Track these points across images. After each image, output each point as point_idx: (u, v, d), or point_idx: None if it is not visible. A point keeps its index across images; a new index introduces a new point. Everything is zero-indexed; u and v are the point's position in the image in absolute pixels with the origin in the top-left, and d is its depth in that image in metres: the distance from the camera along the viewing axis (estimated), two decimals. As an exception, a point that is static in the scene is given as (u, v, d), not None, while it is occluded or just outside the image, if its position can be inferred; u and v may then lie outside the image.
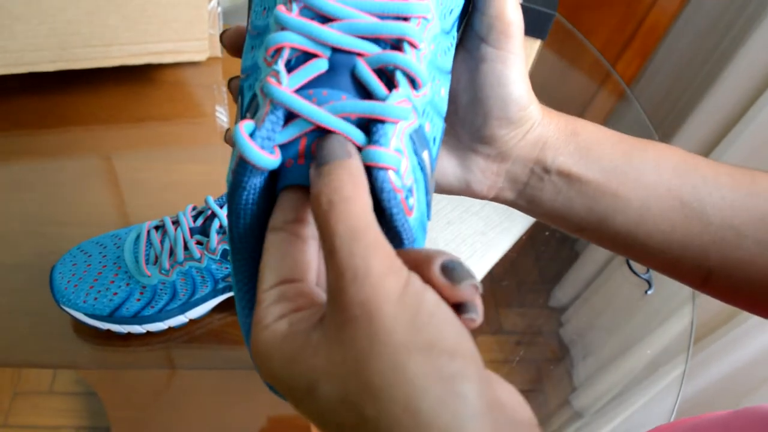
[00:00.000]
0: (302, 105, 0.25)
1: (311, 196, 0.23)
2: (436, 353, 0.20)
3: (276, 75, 0.25)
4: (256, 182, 0.25)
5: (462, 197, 0.85)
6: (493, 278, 0.80)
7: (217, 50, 0.86)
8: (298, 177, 0.25)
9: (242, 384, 0.61)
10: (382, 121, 0.25)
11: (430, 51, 0.28)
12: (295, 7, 0.27)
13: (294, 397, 0.22)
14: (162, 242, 0.58)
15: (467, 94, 0.33)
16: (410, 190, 0.26)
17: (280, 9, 0.27)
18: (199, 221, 0.58)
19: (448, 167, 0.35)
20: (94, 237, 0.61)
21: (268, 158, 0.24)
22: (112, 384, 0.62)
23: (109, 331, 0.59)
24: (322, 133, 0.25)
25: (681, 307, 0.77)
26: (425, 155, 0.28)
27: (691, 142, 1.15)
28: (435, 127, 0.29)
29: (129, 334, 0.60)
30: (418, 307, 0.21)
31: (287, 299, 0.23)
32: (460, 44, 0.34)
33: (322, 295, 0.24)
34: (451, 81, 0.33)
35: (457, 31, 0.33)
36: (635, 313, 0.81)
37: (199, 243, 0.57)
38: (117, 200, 0.73)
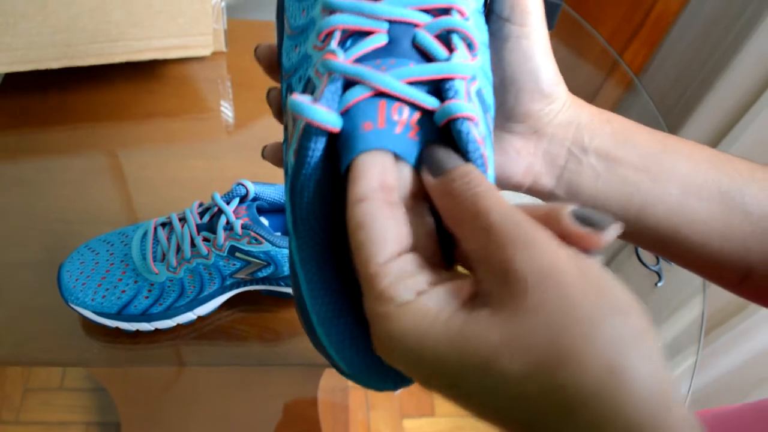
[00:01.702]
0: (366, 72, 0.25)
1: (442, 192, 0.23)
2: (626, 313, 0.20)
3: (332, 54, 0.25)
4: (320, 149, 0.24)
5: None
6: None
7: (222, 45, 0.86)
8: (380, 141, 0.24)
9: (250, 380, 0.61)
10: (451, 79, 0.25)
11: (474, 22, 0.29)
12: None
13: (454, 379, 0.21)
14: (169, 239, 0.58)
15: (497, 76, 0.33)
16: (484, 141, 0.26)
17: None
18: (206, 218, 0.58)
19: None
20: (102, 235, 0.61)
21: (334, 115, 0.24)
22: (122, 380, 0.62)
23: (117, 328, 0.59)
24: (396, 99, 0.25)
25: (691, 298, 0.77)
26: (488, 117, 0.28)
27: (700, 131, 1.14)
28: (489, 94, 0.30)
29: (138, 332, 0.60)
30: (595, 272, 0.20)
31: (414, 273, 0.22)
32: None
33: (445, 272, 0.23)
34: None
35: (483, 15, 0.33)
36: (645, 303, 0.81)
37: (206, 240, 0.57)
38: (124, 197, 0.73)
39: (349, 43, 0.27)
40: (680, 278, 0.79)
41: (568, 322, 0.19)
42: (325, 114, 0.23)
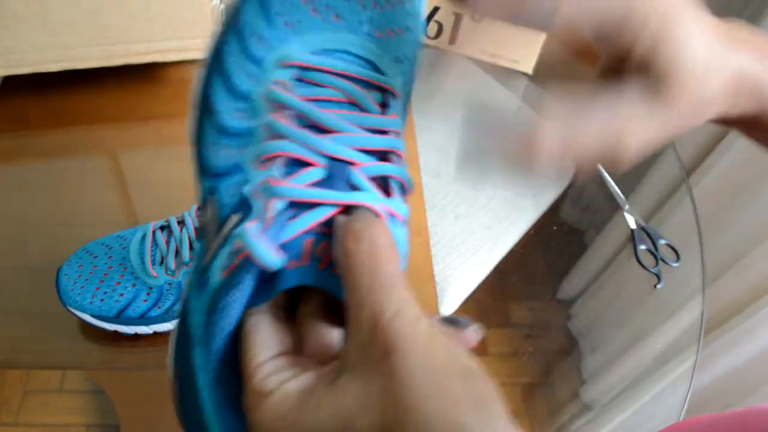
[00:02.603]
0: (324, 193, 0.27)
1: (343, 238, 0.25)
2: (471, 377, 0.22)
3: (277, 180, 0.27)
4: (250, 283, 0.26)
5: (467, 192, 0.84)
6: (501, 272, 0.79)
7: (221, 47, 0.86)
8: (299, 279, 0.26)
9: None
10: (393, 215, 0.28)
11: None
12: (288, 115, 0.29)
13: None
14: (168, 243, 0.58)
15: None
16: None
17: (276, 117, 0.28)
18: (205, 221, 0.58)
19: None
20: (100, 238, 0.61)
21: (279, 260, 0.25)
22: (121, 383, 0.62)
23: (116, 332, 0.59)
24: (325, 235, 0.26)
25: (690, 299, 0.77)
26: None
27: (699, 132, 1.14)
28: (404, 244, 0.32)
29: (136, 335, 0.60)
30: (447, 341, 0.23)
31: (288, 367, 0.25)
32: None
33: (314, 363, 0.26)
34: None
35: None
36: (644, 305, 0.81)
37: (204, 243, 0.57)
38: (123, 199, 0.73)
39: (288, 169, 0.28)
40: (679, 280, 0.79)
41: (417, 382, 0.21)
42: (270, 257, 0.25)
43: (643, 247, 0.80)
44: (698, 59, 0.27)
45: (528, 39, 0.90)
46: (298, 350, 0.27)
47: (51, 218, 0.70)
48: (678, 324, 0.78)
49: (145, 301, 0.58)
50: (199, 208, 0.32)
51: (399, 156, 0.30)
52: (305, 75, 0.30)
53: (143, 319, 0.58)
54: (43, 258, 0.65)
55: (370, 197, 0.27)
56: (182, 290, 0.58)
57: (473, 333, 0.25)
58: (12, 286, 0.64)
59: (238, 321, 0.26)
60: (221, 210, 0.29)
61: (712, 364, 1.08)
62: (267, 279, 0.26)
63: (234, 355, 0.27)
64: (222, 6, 0.82)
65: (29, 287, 0.64)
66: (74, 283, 0.58)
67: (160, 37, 0.77)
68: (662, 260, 0.79)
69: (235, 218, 0.28)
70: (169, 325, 0.60)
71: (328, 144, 0.28)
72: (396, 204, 0.28)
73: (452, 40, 0.93)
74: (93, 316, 0.58)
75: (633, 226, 0.82)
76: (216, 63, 0.32)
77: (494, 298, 0.84)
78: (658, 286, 0.77)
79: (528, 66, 0.94)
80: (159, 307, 0.58)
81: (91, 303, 0.57)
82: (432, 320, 0.24)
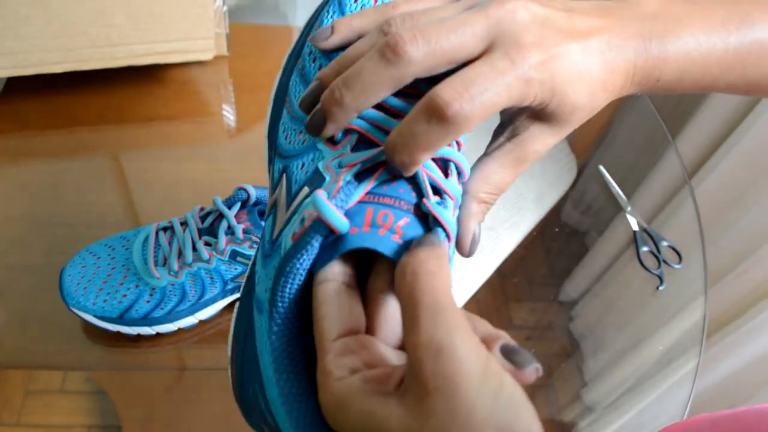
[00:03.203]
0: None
1: (397, 267, 0.25)
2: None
3: (345, 155, 0.30)
4: (319, 244, 0.27)
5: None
6: (502, 273, 0.80)
7: (224, 49, 0.86)
8: (362, 242, 0.27)
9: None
10: (446, 192, 0.30)
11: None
12: None
13: None
14: (170, 243, 0.58)
15: None
16: (450, 263, 0.29)
17: None
18: (207, 222, 0.58)
19: None
20: (103, 239, 0.62)
21: (345, 222, 0.27)
22: (123, 384, 0.62)
23: (119, 332, 0.59)
24: (385, 202, 0.29)
25: (693, 301, 0.77)
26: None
27: (701, 133, 1.14)
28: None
29: (139, 336, 0.60)
30: (499, 388, 0.22)
31: (354, 351, 0.25)
32: None
33: (384, 349, 0.26)
34: None
35: None
36: (646, 307, 0.81)
37: (207, 244, 0.57)
38: (126, 200, 0.73)
39: (358, 147, 0.30)
40: (682, 282, 0.79)
41: (452, 429, 0.21)
42: (339, 218, 0.27)
43: (645, 248, 0.80)
44: (580, 104, 0.30)
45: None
46: (368, 329, 0.28)
47: (53, 219, 0.70)
48: (680, 326, 0.78)
49: (148, 302, 0.58)
50: (272, 189, 0.35)
51: (459, 144, 0.33)
52: None
53: (146, 320, 0.58)
54: (47, 258, 0.65)
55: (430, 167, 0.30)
56: (248, 266, 0.59)
57: (532, 373, 0.24)
58: (14, 287, 0.64)
59: (302, 285, 0.28)
60: (294, 185, 0.32)
61: (714, 366, 1.08)
62: (331, 244, 0.27)
63: (297, 323, 0.28)
64: (225, 8, 0.82)
65: (32, 287, 0.64)
66: (77, 284, 0.58)
67: (162, 39, 0.77)
68: (664, 262, 0.79)
69: (305, 191, 0.30)
70: (171, 326, 0.60)
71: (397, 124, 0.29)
72: (451, 185, 0.30)
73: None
74: (96, 316, 0.58)
75: (635, 227, 0.82)
76: (295, 57, 0.36)
77: (496, 299, 0.84)
78: (661, 288, 0.77)
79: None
80: (162, 308, 0.58)
81: (94, 304, 0.57)
82: (492, 350, 0.23)
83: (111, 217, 0.71)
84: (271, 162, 0.36)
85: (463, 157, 0.32)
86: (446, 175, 0.31)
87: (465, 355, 0.22)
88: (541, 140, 0.32)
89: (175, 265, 0.57)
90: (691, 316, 0.76)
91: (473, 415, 0.21)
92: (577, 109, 0.30)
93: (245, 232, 0.56)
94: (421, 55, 0.28)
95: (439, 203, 0.29)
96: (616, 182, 0.87)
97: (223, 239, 0.56)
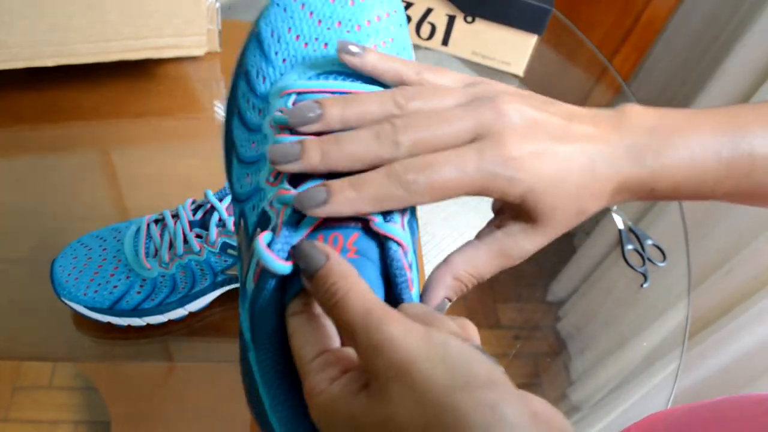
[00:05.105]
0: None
1: (317, 300, 0.28)
2: (474, 387, 0.22)
3: (285, 190, 0.30)
4: (272, 284, 0.29)
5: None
6: (490, 272, 0.80)
7: (216, 45, 0.86)
8: None
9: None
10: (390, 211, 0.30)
11: None
12: (289, 132, 0.32)
13: None
14: (162, 235, 0.59)
15: None
16: (411, 268, 0.30)
17: (279, 136, 0.32)
18: (199, 214, 0.58)
19: None
20: (94, 231, 0.62)
21: (285, 265, 0.28)
22: (112, 377, 0.62)
23: (109, 323, 0.59)
24: (329, 226, 0.30)
25: (677, 301, 0.78)
26: (414, 241, 0.33)
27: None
28: (414, 222, 0.34)
29: (129, 327, 0.60)
30: (446, 352, 0.23)
31: (331, 364, 0.27)
32: None
33: (355, 354, 0.28)
34: None
35: None
36: (631, 306, 0.82)
37: (198, 236, 0.58)
38: (116, 194, 0.73)
39: (294, 181, 0.31)
40: (666, 282, 0.80)
41: (420, 405, 0.22)
42: (277, 264, 0.28)
43: (630, 247, 0.81)
44: (561, 205, 0.31)
45: (519, 41, 0.91)
46: (343, 340, 0.29)
47: (44, 212, 0.70)
48: (665, 325, 0.79)
49: (139, 293, 0.58)
50: (236, 233, 0.37)
51: None
52: (303, 98, 0.33)
53: (136, 311, 0.59)
54: (37, 251, 0.65)
55: None
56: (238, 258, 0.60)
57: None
58: (5, 278, 0.64)
59: (278, 321, 0.30)
60: (250, 227, 0.33)
61: (698, 365, 1.09)
62: (293, 277, 0.29)
63: (281, 354, 0.30)
64: (217, 5, 0.83)
65: (22, 279, 0.64)
66: (68, 275, 0.58)
67: (155, 34, 0.78)
68: (649, 260, 0.80)
69: (258, 231, 0.31)
70: (162, 318, 0.60)
71: None
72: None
73: (445, 41, 0.94)
74: (87, 307, 0.58)
75: (620, 226, 0.83)
76: (233, 102, 0.37)
77: (483, 299, 0.84)
78: (645, 285, 0.78)
79: (519, 68, 0.95)
80: (152, 299, 0.58)
81: (85, 294, 0.58)
82: (429, 327, 0.25)
83: (102, 212, 0.71)
84: (232, 205, 0.38)
85: None
86: None
87: (401, 339, 0.24)
88: (526, 238, 0.33)
89: (166, 257, 0.58)
90: (675, 315, 0.77)
91: (432, 386, 0.22)
92: (558, 210, 0.31)
93: (236, 224, 0.57)
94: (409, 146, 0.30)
95: (385, 219, 0.30)
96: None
97: (214, 231, 0.57)
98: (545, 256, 0.86)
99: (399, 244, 0.30)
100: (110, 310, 0.58)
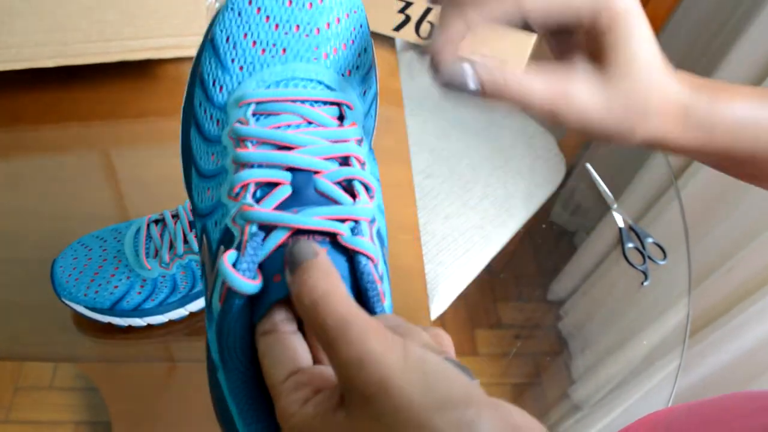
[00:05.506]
0: (283, 217, 0.29)
1: (293, 299, 0.26)
2: (452, 406, 0.22)
3: (248, 206, 0.29)
4: (240, 304, 0.28)
5: (459, 192, 0.85)
6: (491, 272, 0.80)
7: (216, 45, 0.86)
8: (284, 291, 0.27)
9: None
10: (357, 221, 0.30)
11: (368, 165, 0.34)
12: (250, 144, 0.31)
13: None
14: (162, 236, 0.59)
15: None
16: (382, 279, 0.30)
17: (240, 149, 0.31)
18: (199, 215, 0.58)
19: None
20: (95, 231, 0.62)
21: (252, 284, 0.27)
22: (113, 377, 0.62)
23: (109, 324, 0.59)
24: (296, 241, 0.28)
25: (677, 299, 0.78)
26: (384, 251, 0.32)
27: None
28: (383, 228, 0.33)
29: (129, 327, 0.60)
30: (424, 370, 0.23)
31: (303, 385, 0.26)
32: None
33: (328, 370, 0.27)
34: None
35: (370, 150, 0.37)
36: (632, 305, 0.82)
37: (198, 236, 0.58)
38: (116, 195, 0.73)
39: (258, 194, 0.30)
40: (667, 280, 0.80)
41: (398, 425, 0.22)
42: (243, 284, 0.27)
43: (630, 245, 0.81)
44: (645, 57, 0.31)
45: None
46: (315, 358, 0.29)
47: (45, 213, 0.70)
48: (666, 323, 0.79)
49: (139, 293, 0.58)
50: (199, 250, 0.35)
51: (359, 160, 0.32)
52: (262, 108, 0.32)
53: (137, 311, 0.59)
54: (37, 252, 0.65)
55: (329, 210, 0.29)
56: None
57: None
58: (5, 279, 0.64)
59: (247, 340, 0.29)
60: (213, 244, 0.32)
61: (698, 363, 1.09)
62: (261, 295, 0.28)
63: (251, 373, 0.29)
64: (217, 5, 0.83)
65: (23, 279, 0.64)
66: (69, 275, 0.58)
67: (156, 34, 0.78)
68: (649, 258, 0.80)
69: (222, 250, 0.30)
70: (162, 318, 0.60)
71: (291, 156, 0.30)
72: (359, 210, 0.30)
73: (445, 41, 0.94)
74: (87, 308, 0.58)
75: (621, 224, 0.83)
76: (189, 112, 0.36)
77: (484, 298, 0.84)
78: (645, 284, 0.78)
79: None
80: (153, 300, 0.58)
81: (85, 295, 0.58)
82: (406, 342, 0.24)
83: (102, 212, 0.71)
84: (194, 220, 0.37)
85: (369, 174, 0.32)
86: (353, 196, 0.31)
87: (382, 356, 0.23)
88: (587, 84, 0.32)
89: (167, 257, 0.58)
90: (676, 313, 0.77)
91: (411, 403, 0.22)
92: (635, 66, 0.31)
93: (236, 224, 0.57)
94: None
95: (353, 232, 0.29)
96: (603, 181, 0.88)
97: (214, 231, 0.57)
98: (546, 255, 0.86)
99: (368, 257, 0.29)
100: (111, 311, 0.58)
